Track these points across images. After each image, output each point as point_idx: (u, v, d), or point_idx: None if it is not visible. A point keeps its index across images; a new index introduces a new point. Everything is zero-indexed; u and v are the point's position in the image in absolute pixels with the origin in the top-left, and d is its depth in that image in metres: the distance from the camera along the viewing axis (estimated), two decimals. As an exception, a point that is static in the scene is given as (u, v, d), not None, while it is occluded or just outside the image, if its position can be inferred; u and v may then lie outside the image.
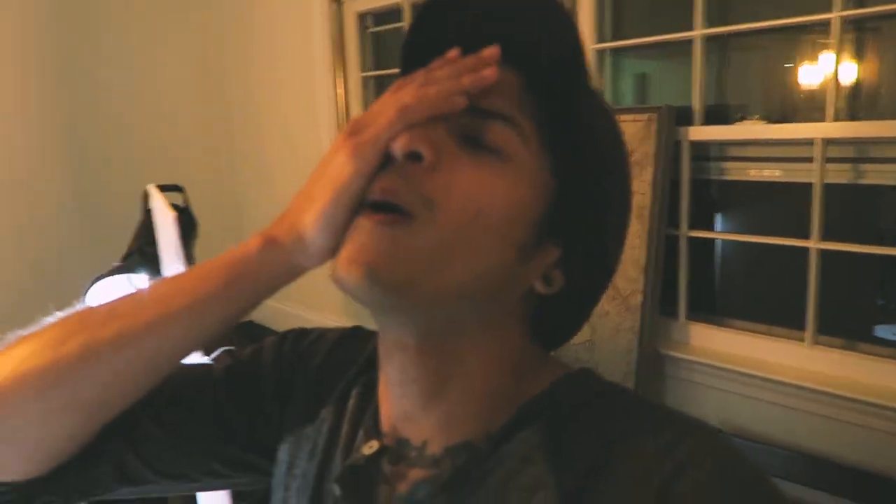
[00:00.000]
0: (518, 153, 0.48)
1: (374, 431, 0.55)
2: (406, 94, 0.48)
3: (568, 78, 0.50)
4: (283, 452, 0.61)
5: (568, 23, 0.50)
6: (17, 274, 2.39)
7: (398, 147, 0.47)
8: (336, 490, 0.53)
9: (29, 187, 2.42)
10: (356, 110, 2.39)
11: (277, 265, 0.53)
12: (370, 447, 0.54)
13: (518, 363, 0.53)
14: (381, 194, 0.47)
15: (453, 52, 0.51)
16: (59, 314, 0.56)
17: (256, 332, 2.89)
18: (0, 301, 2.35)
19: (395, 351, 0.52)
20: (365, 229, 0.47)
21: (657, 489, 0.42)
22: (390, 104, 0.48)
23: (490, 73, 0.48)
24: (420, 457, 0.52)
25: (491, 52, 0.49)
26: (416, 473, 0.52)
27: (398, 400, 0.54)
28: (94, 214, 2.51)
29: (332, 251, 0.50)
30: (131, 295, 0.55)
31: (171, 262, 1.22)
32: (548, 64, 0.50)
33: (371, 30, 2.40)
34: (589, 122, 0.52)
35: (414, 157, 0.47)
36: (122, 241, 1.84)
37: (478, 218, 0.46)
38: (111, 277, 1.66)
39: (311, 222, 0.50)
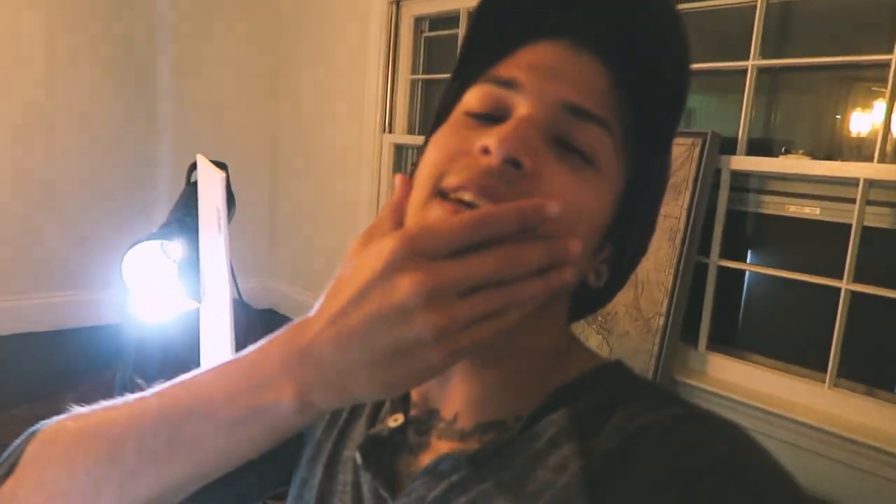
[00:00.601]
0: (608, 161, 0.47)
1: (402, 402, 0.55)
2: (490, 262, 0.39)
3: (667, 88, 0.47)
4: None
5: (677, 23, 0.46)
6: (61, 234, 2.46)
7: (498, 152, 0.43)
8: (357, 458, 0.52)
9: (96, 146, 2.52)
10: (402, 110, 2.43)
11: (307, 423, 0.45)
12: (395, 420, 0.53)
13: (556, 346, 0.53)
14: (487, 199, 0.43)
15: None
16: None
17: (279, 322, 2.94)
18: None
19: None
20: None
21: (683, 483, 0.41)
22: (469, 265, 0.39)
23: (568, 273, 0.41)
24: (449, 429, 0.52)
25: (574, 249, 0.41)
26: (441, 445, 0.51)
27: None
28: (140, 184, 2.58)
29: None
30: (139, 429, 0.47)
31: (211, 228, 1.25)
32: (647, 68, 0.47)
33: (426, 34, 2.44)
34: (672, 133, 0.51)
35: (512, 163, 0.44)
36: (166, 210, 1.89)
37: (572, 231, 0.45)
38: (147, 243, 1.71)
39: (366, 397, 0.43)
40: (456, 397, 0.52)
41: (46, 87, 2.40)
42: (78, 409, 0.52)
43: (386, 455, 0.53)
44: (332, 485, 0.55)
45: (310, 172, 2.80)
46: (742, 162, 1.52)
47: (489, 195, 0.43)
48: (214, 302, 1.41)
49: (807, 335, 1.56)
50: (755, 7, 1.52)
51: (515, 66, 0.49)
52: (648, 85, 0.47)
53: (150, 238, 1.69)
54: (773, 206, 1.56)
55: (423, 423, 0.53)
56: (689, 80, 0.47)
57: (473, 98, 0.50)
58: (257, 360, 0.44)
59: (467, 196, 0.44)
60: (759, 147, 1.56)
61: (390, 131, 2.45)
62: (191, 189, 1.66)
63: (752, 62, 1.52)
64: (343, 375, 0.41)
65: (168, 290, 1.65)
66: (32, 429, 0.53)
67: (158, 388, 0.49)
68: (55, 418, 0.53)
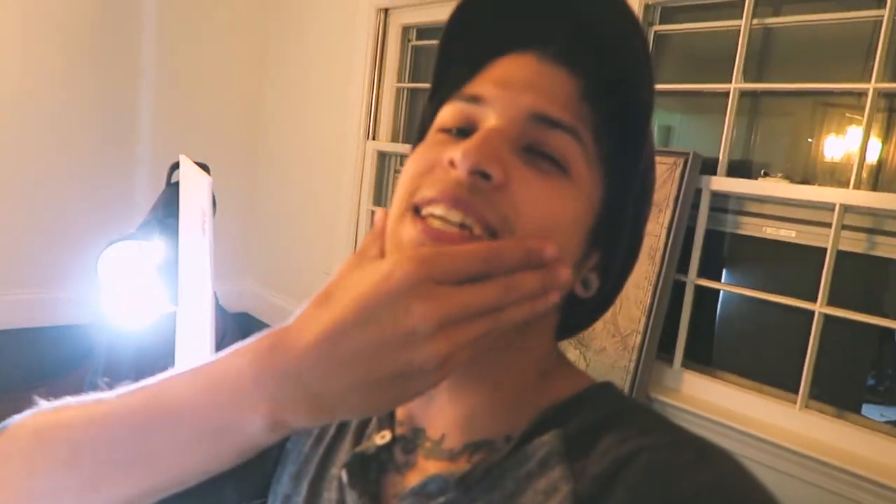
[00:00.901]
0: (580, 169, 0.47)
1: (388, 419, 0.55)
2: (494, 292, 0.41)
3: (633, 92, 0.48)
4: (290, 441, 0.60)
5: (637, 30, 0.47)
6: (31, 229, 2.42)
7: (463, 164, 0.44)
8: (343, 476, 0.52)
9: (74, 143, 2.46)
10: (386, 118, 2.43)
11: (277, 440, 0.44)
12: (382, 437, 0.53)
13: (545, 364, 0.53)
14: (457, 209, 0.44)
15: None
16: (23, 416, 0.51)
17: (253, 326, 2.91)
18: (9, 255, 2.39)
19: None
20: (417, 240, 0.44)
21: None
22: (478, 296, 0.40)
23: (554, 297, 0.44)
24: (436, 449, 0.51)
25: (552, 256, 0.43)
26: (430, 466, 0.51)
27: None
28: (117, 182, 2.55)
29: None
30: (103, 425, 0.46)
31: (193, 231, 1.24)
32: (611, 75, 0.48)
33: (413, 43, 2.44)
34: (644, 135, 0.51)
35: (480, 174, 0.44)
36: (142, 210, 1.87)
37: (549, 235, 0.45)
38: (124, 243, 1.68)
39: (350, 417, 0.45)
40: (443, 417, 0.52)
41: (21, 82, 2.35)
42: (43, 405, 0.51)
43: (372, 473, 0.52)
44: (317, 503, 0.55)
45: (291, 177, 2.79)
46: (722, 183, 1.55)
47: (460, 206, 0.44)
48: (193, 305, 1.39)
49: (780, 356, 1.58)
50: (738, 31, 1.54)
51: (484, 82, 0.50)
52: (614, 91, 0.48)
53: (127, 238, 1.67)
54: (751, 227, 1.58)
55: (410, 442, 0.53)
56: (653, 83, 0.48)
57: (446, 115, 0.51)
58: (229, 372, 0.43)
59: (438, 210, 0.45)
60: (738, 169, 1.59)
61: (374, 138, 2.45)
62: (171, 189, 1.64)
63: (735, 85, 1.55)
64: (330, 397, 0.40)
65: (144, 292, 1.63)
66: (3, 423, 0.52)
67: (123, 389, 0.47)
68: (24, 413, 0.51)
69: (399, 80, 2.44)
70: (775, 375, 1.51)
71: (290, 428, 0.42)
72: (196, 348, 1.31)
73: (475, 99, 0.49)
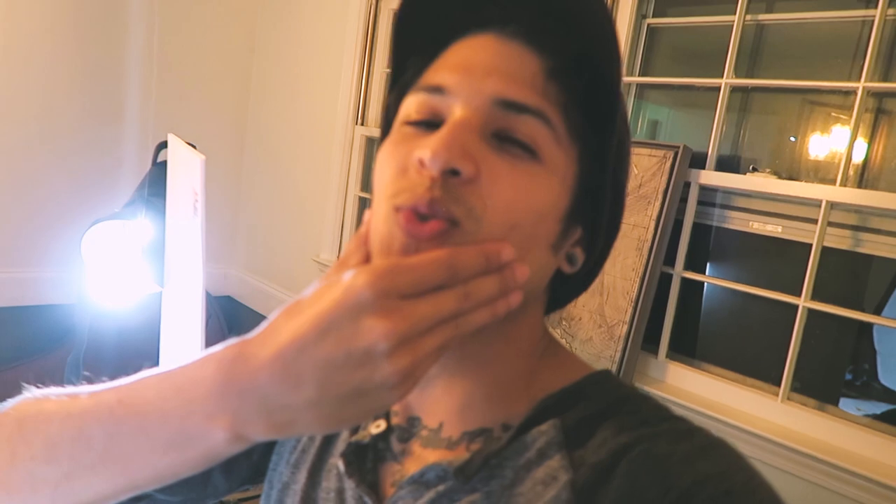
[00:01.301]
0: (551, 152, 0.46)
1: None
2: (452, 301, 0.40)
3: (600, 68, 0.46)
4: None
5: (600, 3, 0.46)
6: (15, 208, 2.37)
7: (433, 165, 0.43)
8: (340, 466, 0.52)
9: (59, 122, 2.42)
10: (376, 103, 2.42)
11: (241, 450, 0.43)
12: (377, 426, 0.53)
13: (537, 347, 0.53)
14: (426, 207, 0.43)
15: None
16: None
17: (237, 310, 2.89)
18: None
19: None
20: (404, 242, 0.44)
21: (673, 500, 0.41)
22: (436, 307, 0.39)
23: (516, 299, 0.43)
24: (434, 438, 0.51)
25: (508, 256, 0.43)
26: (428, 454, 0.51)
27: None
28: (102, 160, 2.51)
29: None
30: (68, 425, 0.46)
31: (183, 211, 1.22)
32: (577, 52, 0.46)
33: (404, 29, 2.42)
34: (615, 109, 0.49)
35: (451, 171, 0.44)
36: (128, 189, 1.84)
37: (519, 226, 0.45)
38: (108, 222, 1.66)
39: (308, 433, 0.43)
40: (439, 405, 0.52)
41: (5, 61, 2.30)
42: (31, 392, 0.51)
43: (369, 462, 0.52)
44: (315, 492, 0.55)
45: (278, 161, 2.77)
46: (711, 177, 1.56)
47: (438, 210, 0.43)
48: (180, 287, 1.38)
49: (763, 348, 1.60)
50: (730, 26, 1.55)
51: (444, 68, 0.48)
52: (581, 68, 0.47)
53: (112, 217, 1.65)
54: (737, 221, 1.60)
55: (406, 431, 0.53)
56: (620, 56, 0.46)
57: (410, 107, 0.49)
58: (195, 380, 0.42)
59: (423, 209, 0.44)
60: (727, 163, 1.60)
61: (363, 124, 2.44)
62: (159, 169, 1.62)
63: (726, 80, 1.56)
64: (288, 412, 0.39)
65: (129, 272, 1.61)
66: (6, 402, 0.52)
67: (101, 387, 0.47)
68: (12, 400, 0.51)
69: (390, 66, 2.42)
70: (758, 368, 1.53)
71: (250, 441, 0.41)
72: (183, 330, 1.30)
73: (437, 89, 0.47)
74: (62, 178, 2.44)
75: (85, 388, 0.48)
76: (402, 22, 0.51)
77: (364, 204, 2.47)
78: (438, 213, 0.43)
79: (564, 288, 0.55)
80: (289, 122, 2.72)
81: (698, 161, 1.59)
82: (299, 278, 2.60)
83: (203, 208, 0.98)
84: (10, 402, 0.51)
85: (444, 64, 0.48)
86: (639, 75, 1.77)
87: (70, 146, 2.46)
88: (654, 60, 1.80)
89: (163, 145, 1.64)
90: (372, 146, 2.46)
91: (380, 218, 0.47)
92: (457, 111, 0.46)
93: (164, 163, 1.57)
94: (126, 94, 2.55)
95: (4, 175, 2.35)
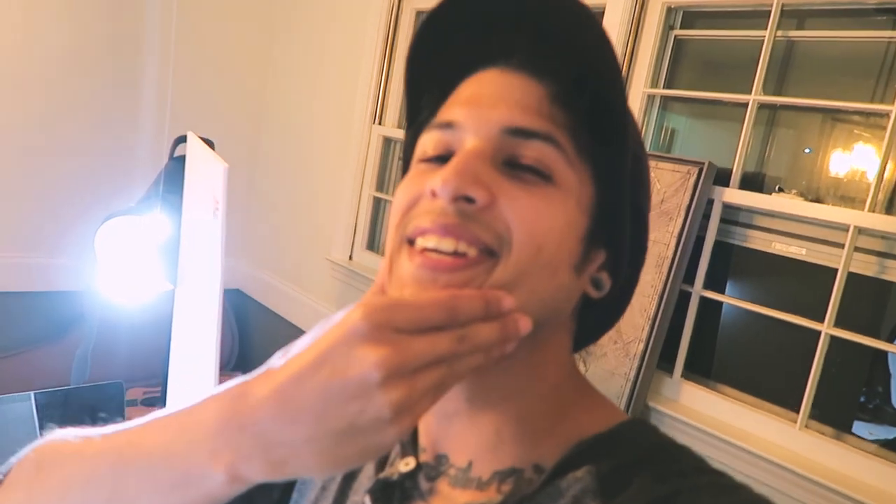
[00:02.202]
0: (563, 174, 0.47)
1: (411, 446, 0.54)
2: (447, 342, 0.40)
3: (601, 87, 0.47)
4: None
5: (593, 22, 0.46)
6: (30, 203, 2.37)
7: (444, 192, 0.44)
8: (367, 502, 0.51)
9: (76, 113, 2.40)
10: (395, 103, 2.39)
11: (242, 492, 0.43)
12: (406, 464, 0.52)
13: (562, 383, 0.52)
14: (450, 240, 0.44)
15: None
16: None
17: (245, 303, 2.87)
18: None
19: None
20: (427, 277, 0.44)
21: None
22: (431, 345, 0.39)
23: (510, 346, 0.43)
24: (464, 478, 0.50)
25: (510, 307, 0.43)
26: (457, 495, 0.50)
27: (442, 415, 0.52)
28: (118, 152, 2.50)
29: None
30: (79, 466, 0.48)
31: (201, 211, 1.21)
32: (576, 76, 0.48)
33: (426, 29, 2.40)
34: (623, 125, 0.49)
35: (464, 198, 0.45)
36: (142, 183, 1.83)
37: (541, 251, 0.46)
38: (123, 217, 1.65)
39: (306, 474, 0.42)
40: (467, 442, 0.51)
41: (23, 49, 2.29)
42: (51, 435, 0.52)
43: (396, 501, 0.51)
44: None
45: (294, 157, 2.75)
46: (735, 195, 1.53)
47: (450, 234, 0.44)
48: (195, 285, 1.36)
49: (781, 372, 1.58)
50: (757, 40, 1.52)
51: (454, 104, 0.50)
52: (583, 89, 0.48)
53: (127, 212, 1.64)
54: (759, 241, 1.57)
55: (433, 469, 0.52)
56: (620, 72, 0.47)
57: (426, 145, 0.51)
58: (199, 420, 0.42)
59: (431, 241, 0.45)
60: (751, 181, 1.57)
61: (380, 123, 2.42)
62: (175, 164, 1.61)
63: (755, 97, 1.53)
64: (285, 449, 0.39)
65: (141, 269, 1.60)
66: (31, 445, 0.53)
67: (114, 428, 0.48)
68: (37, 441, 0.53)
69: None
70: (774, 392, 1.50)
71: (249, 482, 0.41)
72: (195, 328, 1.29)
73: (448, 125, 0.49)
74: (76, 167, 2.43)
75: (100, 430, 0.48)
76: (413, 64, 0.53)
77: (379, 204, 2.45)
78: (463, 241, 0.44)
79: (593, 317, 0.55)
80: (305, 120, 2.70)
81: (722, 177, 1.56)
82: (310, 276, 2.59)
83: (224, 214, 0.97)
84: (35, 444, 0.53)
85: (454, 100, 0.51)
86: (664, 87, 1.74)
87: (87, 138, 2.45)
88: (679, 72, 1.77)
89: (180, 140, 1.62)
90: (389, 146, 2.43)
91: (390, 248, 0.48)
92: (467, 142, 0.47)
93: (181, 158, 1.56)
94: (143, 87, 2.54)
95: (25, 162, 2.34)
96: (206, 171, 1.15)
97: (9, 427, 1.80)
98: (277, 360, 0.41)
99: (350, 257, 2.47)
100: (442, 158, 0.49)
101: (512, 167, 0.47)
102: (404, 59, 0.53)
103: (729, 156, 1.58)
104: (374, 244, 2.47)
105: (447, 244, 0.45)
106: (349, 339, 0.38)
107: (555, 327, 0.51)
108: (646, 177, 0.55)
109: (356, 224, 2.46)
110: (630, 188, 0.51)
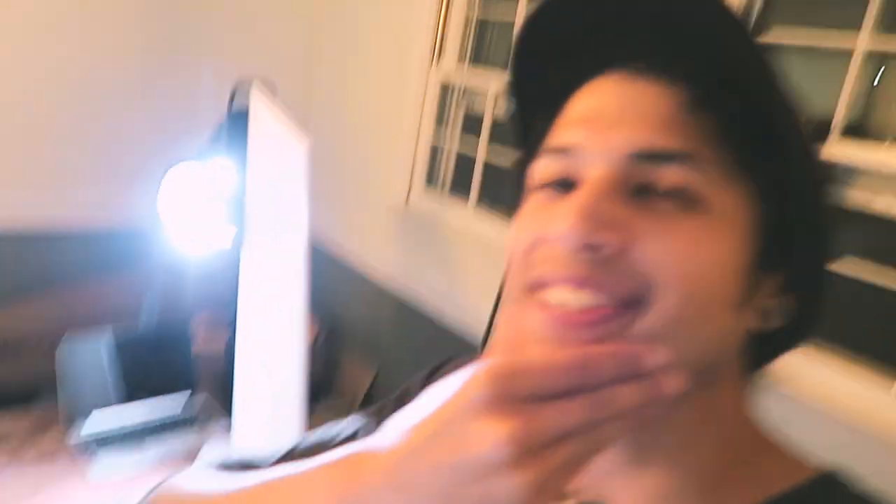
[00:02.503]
0: (712, 197, 0.41)
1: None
2: (581, 410, 0.35)
3: (745, 89, 0.40)
4: None
5: (733, 16, 0.39)
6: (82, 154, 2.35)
7: (571, 244, 0.39)
8: None
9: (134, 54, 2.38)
10: (454, 40, 2.28)
11: None
12: None
13: (741, 428, 0.47)
14: (586, 293, 0.40)
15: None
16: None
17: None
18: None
19: None
20: (559, 335, 0.40)
21: None
22: (564, 413, 0.35)
23: (661, 411, 0.37)
24: None
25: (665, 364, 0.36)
26: None
27: (600, 471, 0.47)
28: (169, 99, 2.46)
29: None
30: None
31: (272, 171, 1.17)
32: (721, 74, 0.40)
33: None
34: (780, 125, 0.42)
35: (594, 248, 0.39)
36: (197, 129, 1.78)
37: (692, 296, 0.40)
38: (189, 163, 1.62)
39: None
40: (629, 494, 0.46)
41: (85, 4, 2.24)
42: (167, 482, 0.52)
43: None
44: None
45: (347, 102, 2.67)
46: (840, 149, 1.41)
47: (586, 286, 0.40)
48: (266, 245, 1.33)
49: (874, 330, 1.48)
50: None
51: (568, 125, 0.44)
52: (727, 94, 0.41)
53: (193, 158, 1.60)
54: (856, 198, 1.46)
55: None
56: (771, 70, 0.39)
57: (542, 172, 0.46)
58: (313, 487, 0.40)
59: (563, 294, 0.41)
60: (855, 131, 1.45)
61: (439, 61, 2.28)
62: (237, 118, 1.55)
63: (864, 44, 1.39)
64: None
65: (208, 220, 1.58)
66: (157, 483, 0.53)
67: (236, 483, 0.46)
68: (150, 492, 0.53)
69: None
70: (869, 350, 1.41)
71: None
72: (278, 289, 1.27)
73: (564, 150, 0.43)
74: (143, 112, 2.40)
75: (220, 485, 0.46)
76: (519, 78, 0.47)
77: (436, 153, 2.37)
78: (602, 294, 0.40)
79: (771, 346, 0.48)
80: (358, 61, 2.60)
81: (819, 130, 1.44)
82: (364, 226, 2.54)
83: (307, 191, 0.92)
84: (148, 495, 0.52)
85: (568, 119, 0.45)
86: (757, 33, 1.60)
87: (147, 81, 2.41)
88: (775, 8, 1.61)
89: (238, 90, 1.57)
90: (446, 94, 2.32)
91: (513, 295, 0.43)
92: (591, 171, 0.41)
93: (242, 114, 1.50)
94: (201, 30, 2.49)
95: (90, 103, 2.32)
96: (277, 141, 1.10)
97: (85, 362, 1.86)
98: (394, 425, 0.38)
99: (406, 203, 2.40)
100: (563, 183, 0.43)
101: (646, 195, 0.41)
102: (508, 75, 0.47)
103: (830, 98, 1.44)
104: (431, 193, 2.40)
105: (585, 297, 0.40)
106: (467, 410, 0.34)
107: (718, 373, 0.45)
108: (823, 178, 0.46)
109: (412, 174, 2.38)
110: (805, 191, 0.44)
